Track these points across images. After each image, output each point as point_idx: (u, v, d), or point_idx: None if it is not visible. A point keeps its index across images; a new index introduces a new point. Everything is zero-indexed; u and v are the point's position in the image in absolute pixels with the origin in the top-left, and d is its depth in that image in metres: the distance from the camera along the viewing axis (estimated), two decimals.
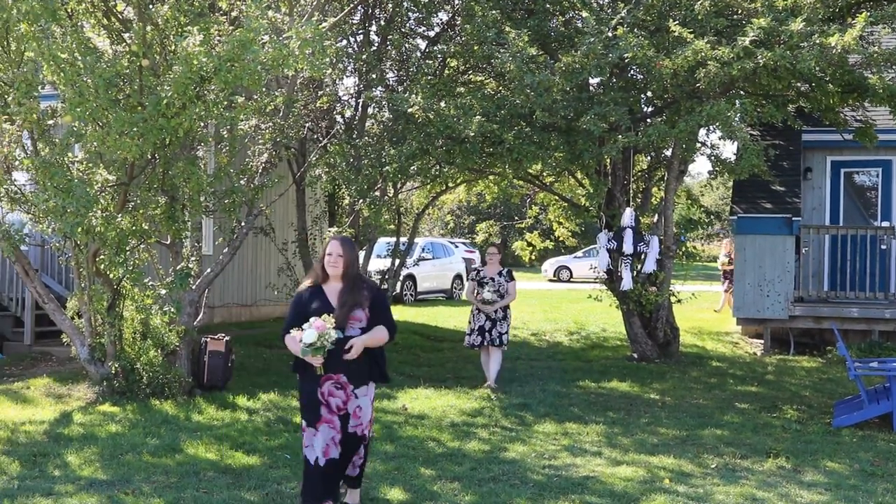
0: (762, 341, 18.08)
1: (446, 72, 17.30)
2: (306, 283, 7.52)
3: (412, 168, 14.85)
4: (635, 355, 16.22)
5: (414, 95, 14.11)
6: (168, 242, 12.71)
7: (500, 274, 13.45)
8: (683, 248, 17.86)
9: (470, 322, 13.59)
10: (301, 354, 7.04)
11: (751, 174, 15.18)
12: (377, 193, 15.99)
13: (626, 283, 15.28)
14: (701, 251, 22.17)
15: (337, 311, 7.17)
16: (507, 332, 13.41)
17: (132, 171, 11.90)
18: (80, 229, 10.97)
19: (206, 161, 13.30)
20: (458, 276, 31.50)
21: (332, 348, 6.99)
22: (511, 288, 13.45)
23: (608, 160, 15.52)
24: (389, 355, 16.17)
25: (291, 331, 7.15)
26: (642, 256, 15.48)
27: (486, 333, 13.33)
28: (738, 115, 14.15)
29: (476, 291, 13.43)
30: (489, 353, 13.50)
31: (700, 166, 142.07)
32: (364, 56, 16.30)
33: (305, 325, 6.99)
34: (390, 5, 17.09)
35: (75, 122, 10.97)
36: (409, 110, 14.01)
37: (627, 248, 15.04)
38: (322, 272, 7.38)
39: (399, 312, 23.35)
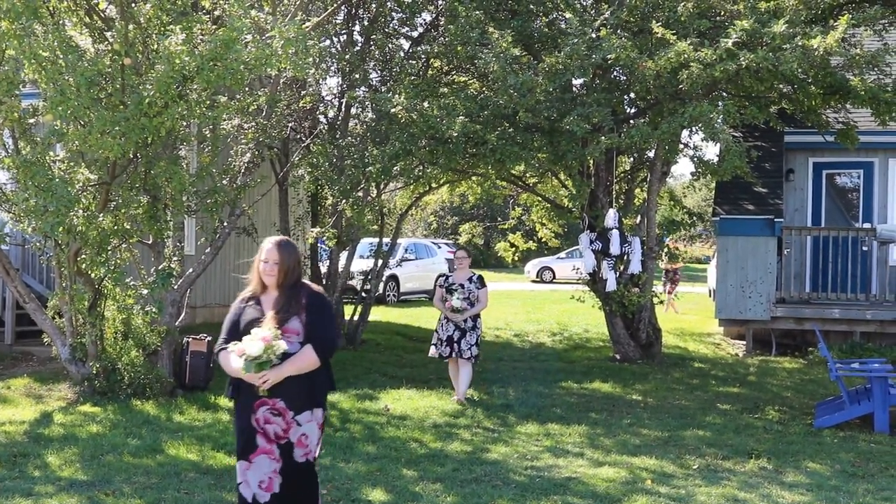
0: (744, 342, 18.14)
1: (430, 72, 17.30)
2: (244, 294, 6.43)
3: (395, 168, 14.84)
4: (618, 356, 16.24)
5: (397, 96, 14.09)
6: (150, 242, 12.67)
7: (470, 280, 12.44)
8: (665, 249, 17.92)
9: (437, 331, 12.54)
10: (243, 371, 6.00)
11: (733, 175, 15.22)
12: (360, 194, 15.98)
13: (611, 284, 15.31)
14: (683, 252, 22.22)
15: (265, 323, 6.11)
16: (476, 344, 12.40)
17: (114, 171, 11.85)
18: (61, 228, 10.93)
19: (188, 160, 13.26)
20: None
21: (277, 363, 6.01)
22: (482, 295, 12.45)
23: (591, 161, 15.56)
24: (372, 356, 16.34)
25: (229, 346, 6.15)
26: (625, 258, 15.54)
27: (455, 344, 12.30)
28: (721, 116, 14.19)
29: (445, 299, 12.41)
30: (458, 365, 12.51)
31: (683, 167, 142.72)
32: (347, 56, 16.28)
33: (247, 338, 6.00)
34: (374, 5, 17.07)
35: (57, 121, 10.93)
36: (393, 110, 14.00)
37: (614, 249, 15.08)
38: (258, 281, 6.32)
39: (382, 313, 23.37)
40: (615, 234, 15.06)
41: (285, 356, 6.02)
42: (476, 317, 12.46)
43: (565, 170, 15.42)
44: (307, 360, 6.10)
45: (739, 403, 12.76)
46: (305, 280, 6.42)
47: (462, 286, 12.38)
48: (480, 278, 12.58)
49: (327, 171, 15.48)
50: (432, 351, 12.59)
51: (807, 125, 16.55)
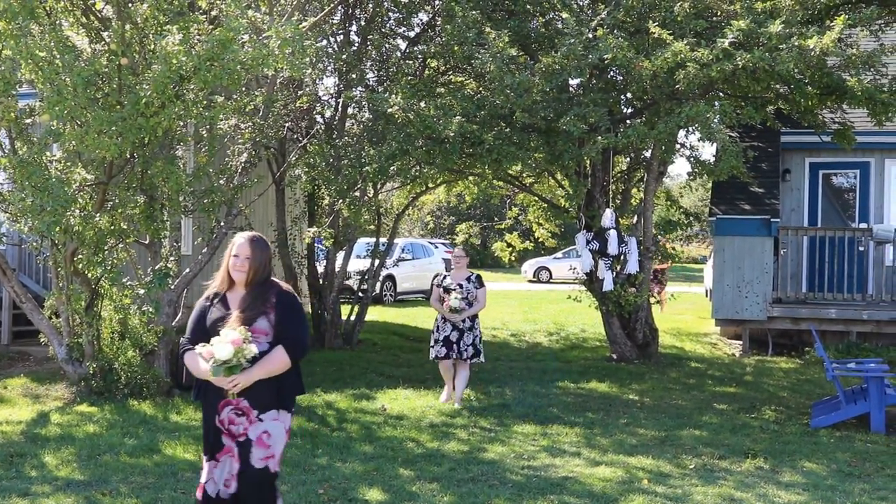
0: (741, 342, 18.15)
1: (426, 72, 17.30)
2: (209, 291, 6.17)
3: (392, 168, 14.83)
4: (614, 356, 16.25)
5: (394, 96, 14.09)
6: (147, 242, 12.66)
7: (468, 280, 12.19)
8: (662, 249, 17.93)
9: (434, 332, 12.31)
10: (211, 375, 5.76)
11: (730, 175, 15.24)
12: (357, 194, 15.98)
13: (608, 284, 15.32)
14: (680, 252, 22.24)
15: (232, 323, 5.86)
16: (474, 344, 12.15)
17: (111, 171, 11.85)
18: (57, 228, 10.93)
19: (185, 160, 13.26)
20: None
21: (247, 366, 5.77)
22: (481, 295, 12.19)
23: (588, 161, 15.56)
24: (369, 356, 16.36)
25: (197, 347, 5.90)
26: (622, 257, 15.55)
27: (454, 345, 12.08)
28: (718, 116, 14.18)
29: (442, 299, 12.17)
30: (456, 367, 12.28)
31: (679, 167, 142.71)
32: (344, 56, 16.28)
33: (215, 340, 5.76)
34: (370, 5, 17.07)
35: (53, 121, 10.92)
36: (389, 110, 13.99)
37: (612, 249, 15.09)
38: (227, 277, 6.06)
39: (379, 313, 23.37)
40: (613, 233, 15.07)
41: (255, 358, 5.78)
42: (474, 317, 12.21)
43: (562, 170, 15.42)
44: (278, 362, 5.87)
45: (736, 403, 12.77)
46: (275, 278, 6.18)
47: (460, 286, 12.12)
48: (479, 278, 12.32)
49: (324, 171, 15.48)
50: (433, 353, 12.32)
51: (803, 125, 16.55)
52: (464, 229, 24.23)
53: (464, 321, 12.09)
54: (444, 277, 12.44)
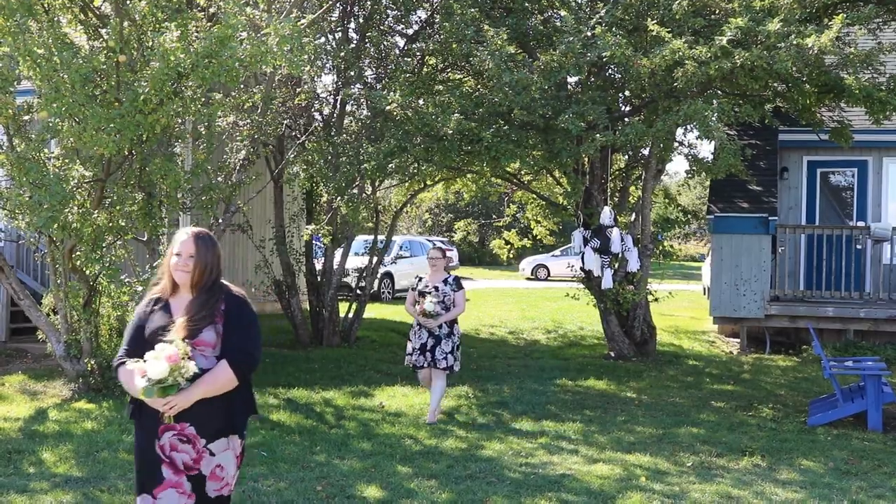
0: (738, 340, 18.17)
1: (425, 69, 17.31)
2: (151, 294, 5.37)
3: (390, 166, 14.84)
4: (612, 354, 16.26)
5: (392, 93, 14.10)
6: (145, 239, 12.66)
7: (445, 282, 11.23)
8: (660, 247, 17.94)
9: (410, 339, 11.39)
10: (143, 395, 4.95)
11: (728, 174, 15.25)
12: (355, 191, 15.98)
13: (606, 281, 15.32)
14: (678, 250, 22.25)
15: (172, 335, 5.05)
16: (452, 352, 11.16)
17: (109, 167, 11.85)
18: (55, 225, 10.93)
19: (183, 157, 13.25)
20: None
21: (186, 386, 4.98)
22: (459, 298, 11.22)
23: (586, 159, 15.57)
24: (367, 353, 16.38)
25: (128, 362, 5.07)
26: (619, 255, 15.55)
27: (429, 353, 11.15)
28: (716, 114, 14.18)
29: (417, 303, 11.26)
30: (431, 376, 11.39)
31: (677, 165, 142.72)
32: (342, 53, 16.28)
33: (149, 355, 4.94)
34: (369, 3, 17.07)
35: (51, 118, 10.93)
36: (388, 108, 14.00)
37: (615, 247, 15.10)
38: (169, 280, 5.27)
39: (377, 310, 23.38)
40: (616, 231, 15.08)
41: (197, 375, 5.01)
42: (452, 323, 11.25)
43: (560, 167, 15.42)
44: (222, 379, 5.07)
45: (733, 401, 12.78)
46: (226, 282, 5.38)
47: (436, 289, 11.18)
48: (456, 280, 11.41)
49: (322, 169, 15.49)
50: (407, 360, 11.46)
51: (801, 123, 16.56)
52: (462, 227, 24.29)
53: (441, 327, 11.10)
54: (419, 280, 11.52)
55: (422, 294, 11.24)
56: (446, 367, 11.12)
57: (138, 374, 4.93)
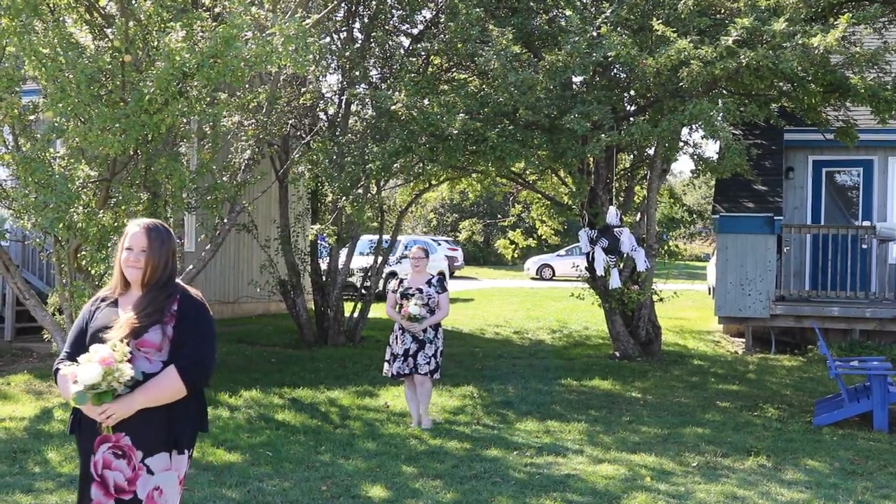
0: (743, 340, 18.15)
1: (430, 69, 17.30)
2: (102, 292, 4.88)
3: (395, 165, 14.85)
4: (617, 353, 16.25)
5: (397, 93, 14.10)
6: None
7: (429, 283, 10.72)
8: (665, 247, 17.93)
9: (391, 345, 10.82)
10: (74, 402, 4.41)
11: (733, 173, 15.25)
12: (360, 191, 15.98)
13: (615, 281, 15.30)
14: (683, 250, 22.23)
15: (113, 333, 4.51)
16: (435, 356, 10.66)
17: (114, 167, 11.85)
18: (61, 225, 10.93)
19: (188, 157, 13.26)
20: (441, 274, 31.59)
21: (126, 392, 4.43)
22: (443, 300, 10.69)
23: (591, 159, 15.57)
24: (372, 353, 16.36)
25: (62, 367, 4.54)
26: (626, 255, 15.53)
27: (411, 359, 10.60)
28: (721, 114, 14.19)
29: (400, 306, 10.70)
30: (414, 384, 10.78)
31: (683, 165, 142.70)
32: (347, 53, 16.28)
33: (82, 358, 4.40)
34: (374, 3, 17.07)
35: (57, 118, 10.92)
36: (393, 108, 14.00)
37: (626, 247, 15.10)
38: (119, 276, 4.74)
39: (381, 310, 23.28)
40: (626, 231, 15.08)
41: (139, 382, 4.46)
42: (437, 326, 10.72)
43: (565, 167, 15.41)
44: (167, 387, 4.49)
45: (739, 401, 12.77)
46: (183, 282, 4.86)
47: (420, 290, 10.64)
48: (441, 281, 10.92)
49: (327, 168, 15.49)
50: (385, 368, 10.87)
51: (807, 123, 16.57)
52: (467, 226, 24.26)
53: (425, 331, 10.61)
54: (401, 281, 10.91)
55: (405, 296, 10.67)
56: (428, 371, 10.58)
57: (70, 380, 4.40)
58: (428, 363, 10.56)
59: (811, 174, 19.40)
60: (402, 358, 10.60)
